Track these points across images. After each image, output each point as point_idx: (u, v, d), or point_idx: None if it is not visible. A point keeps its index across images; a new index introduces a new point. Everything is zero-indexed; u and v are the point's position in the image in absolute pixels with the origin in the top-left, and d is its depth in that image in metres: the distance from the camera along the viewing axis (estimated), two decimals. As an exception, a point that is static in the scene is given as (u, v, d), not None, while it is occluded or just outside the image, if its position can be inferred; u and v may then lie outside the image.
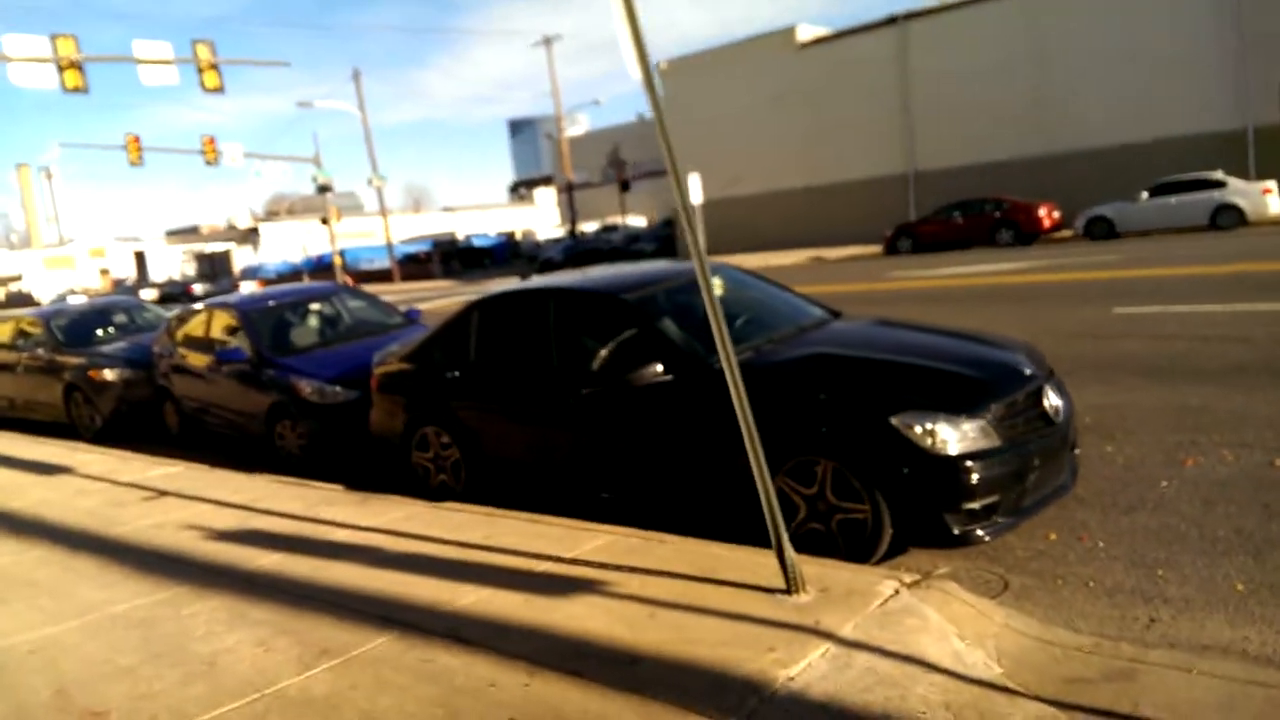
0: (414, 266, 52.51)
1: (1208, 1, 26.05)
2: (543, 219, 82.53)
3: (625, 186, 41.20)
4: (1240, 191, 22.54)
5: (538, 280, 6.11)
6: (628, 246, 45.36)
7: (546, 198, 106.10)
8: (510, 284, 6.37)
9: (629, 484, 5.11)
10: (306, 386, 7.44)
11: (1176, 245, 19.31)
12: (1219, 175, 23.20)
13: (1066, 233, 26.03)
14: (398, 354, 6.55)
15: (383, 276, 49.85)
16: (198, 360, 8.91)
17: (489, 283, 33.26)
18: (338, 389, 7.38)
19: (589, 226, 55.35)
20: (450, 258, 56.37)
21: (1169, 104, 26.91)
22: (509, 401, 5.62)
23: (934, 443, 4.00)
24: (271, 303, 8.72)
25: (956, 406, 4.13)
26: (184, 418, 9.30)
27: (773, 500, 3.60)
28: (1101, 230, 24.25)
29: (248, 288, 32.55)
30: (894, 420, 4.06)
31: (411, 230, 70.21)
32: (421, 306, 12.69)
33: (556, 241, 55.87)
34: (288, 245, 65.31)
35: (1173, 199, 23.42)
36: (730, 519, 4.58)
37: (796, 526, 4.29)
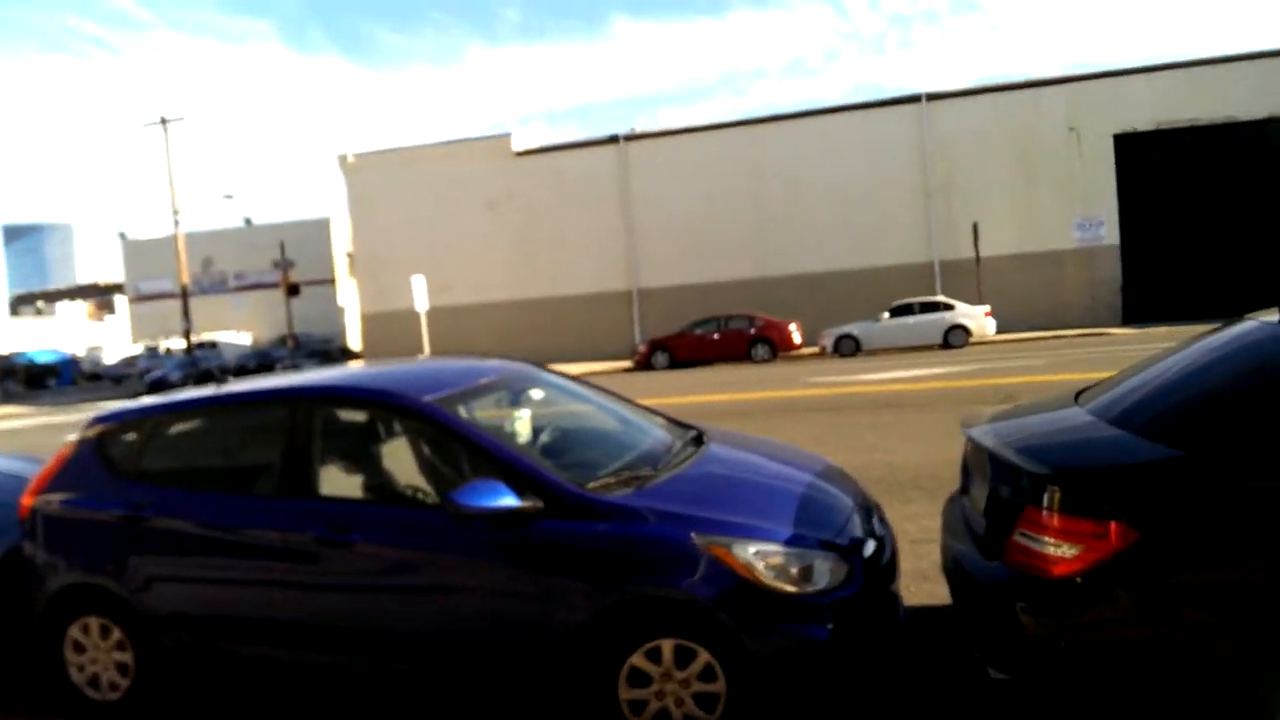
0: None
1: (901, 153, 29.67)
2: (68, 335, 68.67)
3: (294, 291, 35.03)
4: (967, 314, 25.14)
5: None
6: (259, 366, 38.38)
7: (72, 311, 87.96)
8: None
9: None
10: (757, 558, 3.31)
11: (930, 359, 20.52)
12: (946, 299, 25.79)
13: (812, 350, 27.01)
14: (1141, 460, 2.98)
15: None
16: (260, 526, 3.92)
17: (82, 407, 24.24)
18: (818, 559, 3.41)
19: (173, 343, 46.47)
20: (6, 376, 43.49)
21: (873, 237, 29.85)
22: None
23: None
24: (465, 387, 4.09)
25: None
26: (152, 658, 4.03)
27: None
28: (849, 347, 25.45)
29: None
30: None
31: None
32: None
33: (156, 355, 46.03)
34: None
35: (910, 319, 25.42)
36: None
37: None
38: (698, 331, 26.99)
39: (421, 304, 27.93)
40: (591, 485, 3.60)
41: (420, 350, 28.56)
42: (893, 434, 9.18)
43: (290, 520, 3.79)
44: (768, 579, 3.29)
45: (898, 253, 29.84)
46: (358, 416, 4.19)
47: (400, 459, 4.11)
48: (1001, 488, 3.43)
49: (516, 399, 4.46)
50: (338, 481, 3.97)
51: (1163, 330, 24.26)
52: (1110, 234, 28.59)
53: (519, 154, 32.41)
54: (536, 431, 4.44)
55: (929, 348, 24.75)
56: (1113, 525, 2.90)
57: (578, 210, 31.75)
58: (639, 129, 32.67)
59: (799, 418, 11.11)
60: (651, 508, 3.48)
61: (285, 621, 3.81)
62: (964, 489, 4.08)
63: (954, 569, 3.79)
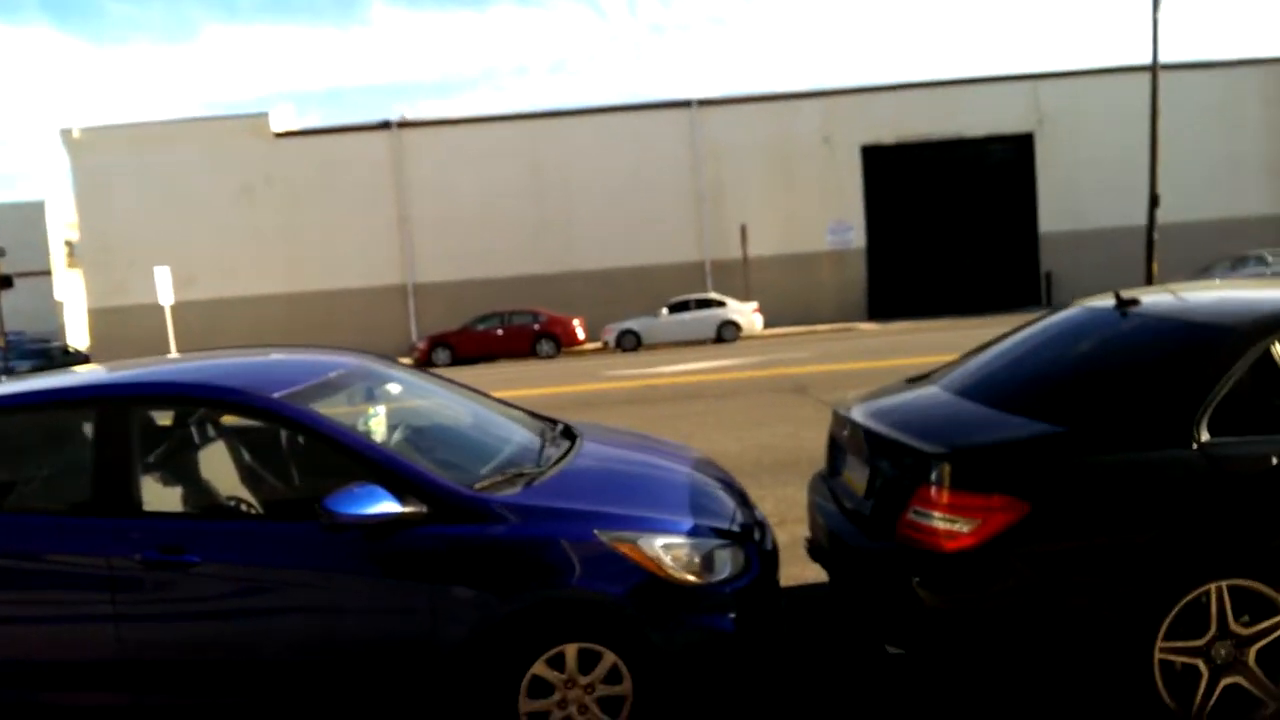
0: None
1: (673, 156, 30.63)
2: None
3: (6, 283, 30.32)
4: (737, 310, 26.50)
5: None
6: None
7: None
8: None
9: None
10: (665, 551, 3.17)
11: (708, 352, 21.54)
12: (719, 296, 27.01)
13: (595, 345, 27.28)
14: (1041, 443, 3.15)
15: None
16: (67, 550, 3.23)
17: None
18: (718, 548, 3.34)
19: None
20: None
21: (648, 237, 30.62)
22: None
23: None
24: (315, 382, 3.58)
25: None
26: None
27: None
28: (630, 342, 26.02)
29: None
30: None
31: None
32: None
33: None
34: None
35: (686, 315, 26.40)
36: None
37: None
38: (480, 327, 26.51)
39: (166, 298, 25.23)
40: (478, 486, 3.31)
41: (166, 349, 25.75)
42: (703, 424, 9.42)
43: (108, 542, 3.18)
44: (675, 572, 3.18)
45: (672, 252, 30.83)
46: (189, 418, 3.61)
47: (246, 466, 3.59)
48: (886, 467, 3.54)
49: (370, 395, 4.05)
50: (167, 495, 3.40)
51: (902, 325, 26.83)
52: (858, 238, 31.21)
53: (279, 135, 30.07)
54: (392, 430, 4.04)
55: (704, 342, 25.81)
56: (1006, 499, 3.06)
57: (347, 198, 30.00)
58: (406, 116, 31.38)
59: (611, 410, 11.12)
60: (547, 506, 3.26)
61: (105, 661, 3.20)
62: (834, 470, 4.19)
63: (833, 549, 3.87)
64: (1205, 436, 3.09)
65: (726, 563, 3.33)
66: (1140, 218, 27.42)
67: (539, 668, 3.14)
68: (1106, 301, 3.95)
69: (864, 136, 30.78)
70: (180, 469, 3.53)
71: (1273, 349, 3.20)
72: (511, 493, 3.33)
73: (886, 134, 30.75)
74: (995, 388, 3.71)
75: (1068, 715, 3.32)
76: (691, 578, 3.21)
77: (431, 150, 30.21)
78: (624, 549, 3.15)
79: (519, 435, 4.10)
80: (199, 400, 3.48)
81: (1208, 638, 3.05)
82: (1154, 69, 26.38)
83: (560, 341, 26.08)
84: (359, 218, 30.06)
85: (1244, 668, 3.07)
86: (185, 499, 3.45)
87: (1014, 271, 31.52)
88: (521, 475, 3.50)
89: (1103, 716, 3.18)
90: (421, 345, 26.09)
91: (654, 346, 25.70)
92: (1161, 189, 26.89)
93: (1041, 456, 3.14)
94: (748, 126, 30.78)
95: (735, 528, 3.52)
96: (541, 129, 30.51)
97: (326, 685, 3.17)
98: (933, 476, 3.19)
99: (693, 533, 3.32)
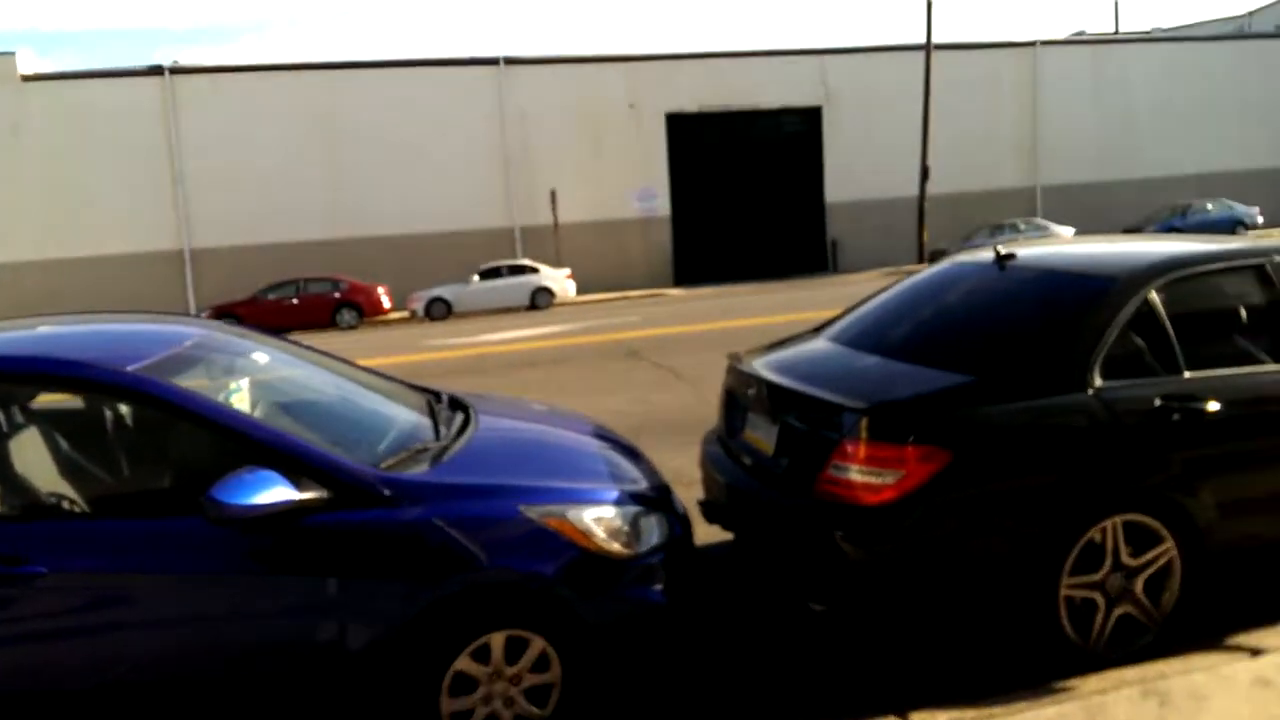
0: None
1: (480, 116, 29.65)
2: None
3: None
4: (551, 276, 26.29)
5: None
6: None
7: None
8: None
9: None
10: (596, 524, 2.97)
11: (524, 320, 21.29)
12: (532, 263, 26.63)
13: (401, 314, 26.14)
14: (965, 397, 3.20)
15: None
16: None
17: None
18: (643, 516, 3.18)
19: None
20: None
21: (455, 201, 29.54)
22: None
23: None
24: (168, 353, 3.01)
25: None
26: None
27: None
28: (440, 311, 25.17)
29: None
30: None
31: None
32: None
33: None
34: None
35: (499, 282, 25.87)
36: None
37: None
38: (272, 296, 24.74)
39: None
40: (383, 465, 2.96)
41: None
42: (547, 392, 9.16)
43: (-84, 557, 2.56)
44: (606, 544, 3.00)
45: (479, 217, 29.97)
46: (9, 399, 2.97)
47: (90, 455, 3.01)
48: (798, 424, 3.51)
49: (231, 368, 3.53)
50: (-10, 494, 2.78)
51: (707, 290, 27.63)
52: (663, 206, 31.72)
53: (27, 78, 26.30)
54: (259, 407, 3.55)
55: (517, 310, 25.38)
56: (929, 449, 3.11)
57: (111, 153, 26.72)
58: (179, 62, 28.40)
59: (444, 381, 10.45)
60: (462, 484, 2.97)
61: None
62: (732, 429, 4.13)
63: (738, 508, 3.83)
64: (1099, 382, 3.28)
65: (653, 530, 3.18)
66: (913, 189, 29.77)
67: (462, 662, 2.86)
68: (982, 256, 4.12)
69: (668, 104, 31.20)
70: (5, 461, 2.91)
71: (1150, 298, 3.45)
72: (420, 471, 3.01)
73: (689, 102, 31.33)
74: (892, 341, 3.79)
75: (980, 658, 3.47)
76: (621, 549, 3.04)
77: (210, 101, 27.53)
78: (553, 524, 2.93)
79: (405, 409, 3.74)
80: (32, 376, 2.87)
81: (1104, 572, 3.26)
82: (928, 48, 28.47)
83: (363, 311, 24.84)
84: (126, 175, 26.94)
85: (1132, 596, 3.31)
86: (16, 498, 2.85)
87: (804, 239, 33.23)
88: (425, 451, 3.18)
89: (1011, 655, 3.33)
90: (204, 317, 23.91)
91: (465, 315, 24.98)
92: (931, 162, 29.29)
93: (959, 406, 3.22)
94: (556, 89, 30.34)
95: (653, 493, 3.38)
96: (336, 81, 28.59)
97: (220, 704, 2.74)
98: (854, 431, 3.19)
99: (618, 501, 3.15)
